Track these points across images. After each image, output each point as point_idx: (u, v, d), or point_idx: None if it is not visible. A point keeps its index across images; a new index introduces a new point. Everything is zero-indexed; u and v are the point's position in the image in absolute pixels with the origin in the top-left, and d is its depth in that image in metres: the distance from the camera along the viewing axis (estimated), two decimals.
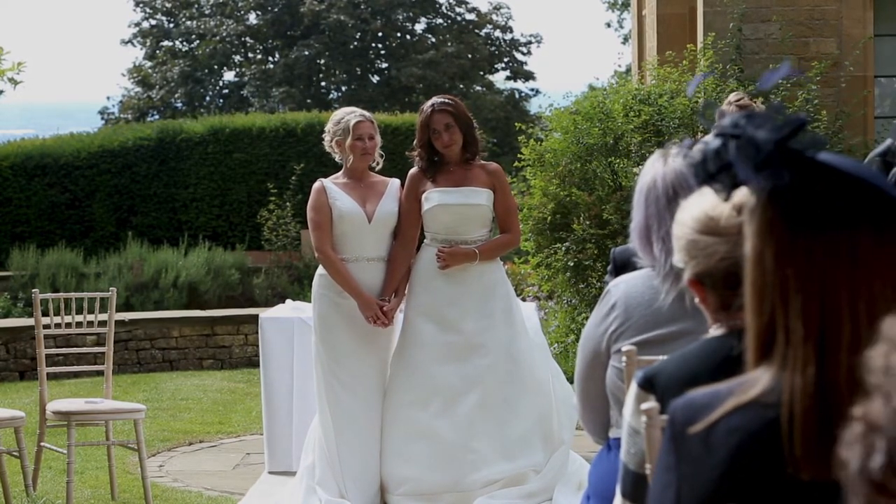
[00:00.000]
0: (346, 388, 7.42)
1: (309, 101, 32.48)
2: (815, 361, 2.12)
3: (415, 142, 7.61)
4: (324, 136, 7.74)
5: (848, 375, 2.09)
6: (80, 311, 8.48)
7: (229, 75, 35.28)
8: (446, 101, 7.55)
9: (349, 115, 7.59)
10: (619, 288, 4.07)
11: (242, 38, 34.81)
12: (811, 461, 2.14)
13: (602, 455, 4.26)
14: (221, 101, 34.86)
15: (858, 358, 2.08)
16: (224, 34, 34.33)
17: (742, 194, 2.99)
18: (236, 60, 35.03)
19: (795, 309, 2.13)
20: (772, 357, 2.18)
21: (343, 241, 7.51)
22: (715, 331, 2.95)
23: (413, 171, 7.63)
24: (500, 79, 35.30)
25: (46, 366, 8.21)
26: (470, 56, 33.63)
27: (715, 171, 2.21)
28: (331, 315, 7.46)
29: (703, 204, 2.98)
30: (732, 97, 8.15)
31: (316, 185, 7.60)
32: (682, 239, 2.97)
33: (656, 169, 3.95)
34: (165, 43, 35.33)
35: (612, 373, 4.09)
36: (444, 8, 34.66)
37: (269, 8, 34.05)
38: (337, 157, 7.68)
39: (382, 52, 34.43)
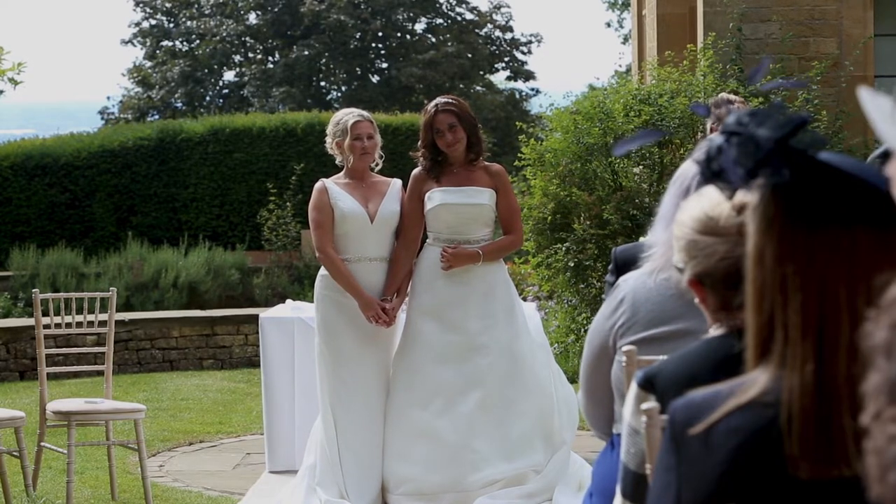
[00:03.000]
0: (349, 388, 7.42)
1: (309, 101, 32.48)
2: (813, 359, 2.12)
3: (419, 142, 7.61)
4: (326, 138, 7.75)
5: (847, 374, 2.09)
6: (80, 311, 8.48)
7: (229, 75, 35.28)
8: (450, 101, 7.55)
9: (347, 115, 7.61)
10: (629, 283, 4.08)
11: (242, 38, 34.82)
12: (810, 460, 2.14)
13: (605, 453, 4.27)
14: (221, 101, 34.86)
15: (857, 357, 2.09)
16: (224, 34, 34.33)
17: (742, 194, 3.00)
18: (236, 60, 35.03)
19: (794, 307, 2.14)
20: (771, 356, 2.18)
21: (345, 241, 7.50)
22: (715, 331, 2.95)
23: (416, 171, 7.63)
24: (500, 79, 35.30)
25: (46, 366, 8.20)
26: (470, 56, 33.63)
27: (719, 170, 2.22)
28: (333, 316, 7.46)
29: (702, 204, 2.99)
30: (720, 98, 8.03)
31: (318, 184, 7.60)
32: (682, 239, 2.98)
33: (688, 166, 3.93)
34: (165, 43, 35.33)
35: (618, 368, 4.09)
36: (444, 8, 34.65)
37: (269, 8, 34.05)
38: (338, 160, 7.67)
39: (382, 52, 34.43)
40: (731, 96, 7.81)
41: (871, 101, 1.78)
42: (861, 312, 2.09)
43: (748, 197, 2.95)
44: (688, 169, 3.89)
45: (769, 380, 2.18)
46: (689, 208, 3.00)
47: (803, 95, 12.01)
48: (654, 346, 3.81)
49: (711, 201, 2.98)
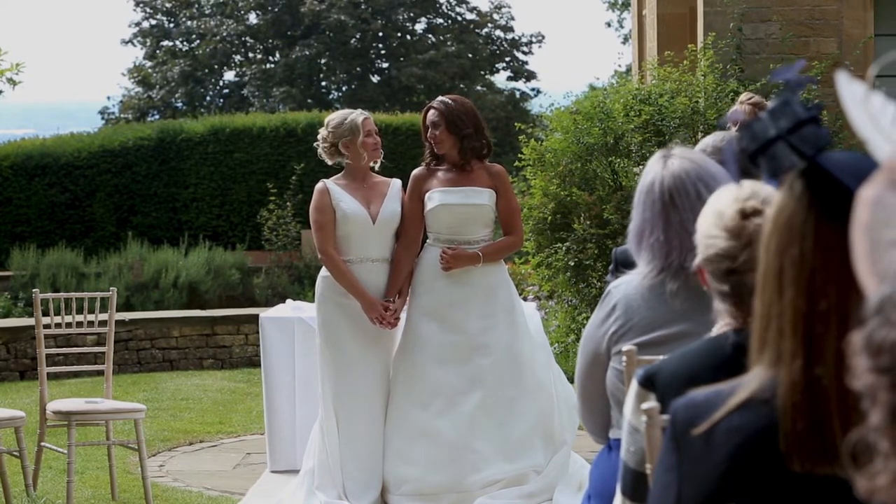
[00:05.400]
0: (350, 389, 7.41)
1: (309, 101, 32.48)
2: (802, 356, 2.12)
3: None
4: (320, 143, 7.63)
5: (835, 374, 2.09)
6: (80, 310, 8.47)
7: (229, 75, 35.29)
8: (444, 100, 7.55)
9: (352, 114, 7.57)
10: (620, 289, 4.07)
11: (243, 38, 34.82)
12: (803, 458, 2.14)
13: (603, 455, 4.27)
14: (222, 101, 34.86)
15: (845, 357, 2.09)
16: (224, 34, 34.33)
17: (759, 200, 3.00)
18: (236, 60, 35.03)
19: (788, 299, 2.14)
20: (767, 349, 2.18)
21: (347, 242, 7.49)
22: (717, 329, 2.96)
23: (416, 170, 7.62)
24: (501, 79, 35.32)
25: (47, 366, 8.20)
26: (470, 56, 33.63)
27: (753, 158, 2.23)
28: (335, 317, 7.46)
29: (723, 197, 3.00)
30: (744, 97, 8.08)
31: (319, 185, 7.57)
32: (699, 224, 3.00)
33: (655, 171, 3.95)
34: (166, 43, 35.33)
35: (613, 374, 4.09)
36: (444, 7, 34.66)
37: (270, 8, 34.05)
38: (345, 160, 7.55)
39: (382, 52, 34.44)
40: (759, 98, 7.84)
41: (846, 87, 1.78)
42: (851, 312, 2.09)
43: (757, 203, 2.96)
44: (654, 182, 3.91)
45: (765, 376, 2.19)
46: (717, 196, 3.01)
47: (804, 95, 12.01)
48: (649, 351, 3.81)
49: (729, 197, 2.99)
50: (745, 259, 2.89)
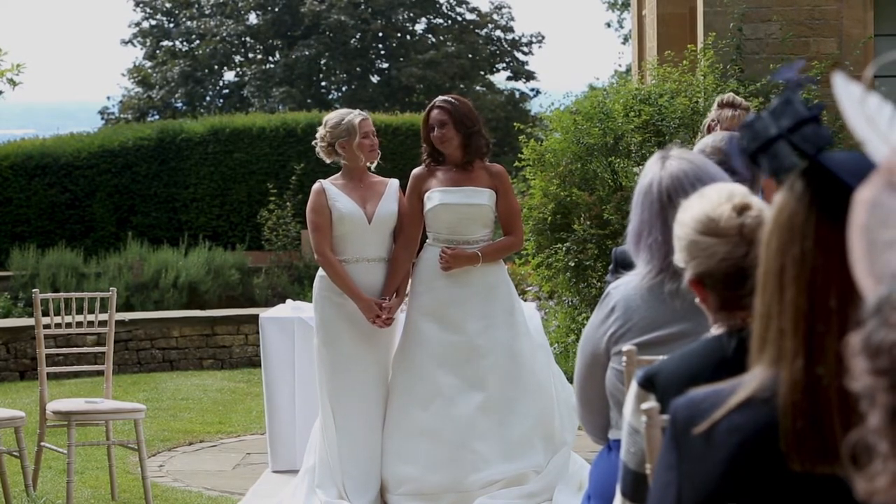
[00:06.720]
0: (348, 389, 7.41)
1: (309, 101, 32.47)
2: (803, 355, 2.12)
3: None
4: (318, 141, 7.63)
5: (836, 371, 2.09)
6: (80, 311, 8.47)
7: (229, 75, 35.28)
8: (448, 99, 7.55)
9: (349, 115, 7.57)
10: (619, 290, 4.07)
11: (242, 38, 34.81)
12: (803, 458, 2.14)
13: (602, 455, 4.27)
14: (221, 101, 34.86)
15: (845, 356, 2.09)
16: (224, 34, 34.33)
17: (744, 195, 3.00)
18: (236, 60, 35.03)
19: (789, 298, 2.14)
20: (768, 348, 2.18)
21: (344, 242, 7.49)
22: (715, 330, 2.95)
23: (416, 170, 7.63)
24: (500, 79, 35.32)
25: (46, 366, 8.20)
26: (470, 56, 33.63)
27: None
28: (333, 317, 7.45)
29: (703, 205, 2.98)
30: (723, 98, 7.88)
31: (315, 186, 7.57)
32: (683, 239, 2.97)
33: (654, 172, 3.95)
34: (165, 43, 35.33)
35: (612, 375, 4.09)
36: (444, 8, 34.66)
37: (270, 8, 34.05)
38: (343, 160, 7.56)
39: (382, 52, 34.43)
40: (740, 100, 7.76)
41: (843, 89, 1.78)
42: (852, 312, 2.08)
43: (749, 198, 2.96)
44: (652, 182, 3.91)
45: (766, 376, 2.19)
46: (691, 208, 3.00)
47: (804, 95, 11.99)
48: (650, 352, 3.81)
49: (712, 202, 2.98)
50: (741, 254, 2.89)
